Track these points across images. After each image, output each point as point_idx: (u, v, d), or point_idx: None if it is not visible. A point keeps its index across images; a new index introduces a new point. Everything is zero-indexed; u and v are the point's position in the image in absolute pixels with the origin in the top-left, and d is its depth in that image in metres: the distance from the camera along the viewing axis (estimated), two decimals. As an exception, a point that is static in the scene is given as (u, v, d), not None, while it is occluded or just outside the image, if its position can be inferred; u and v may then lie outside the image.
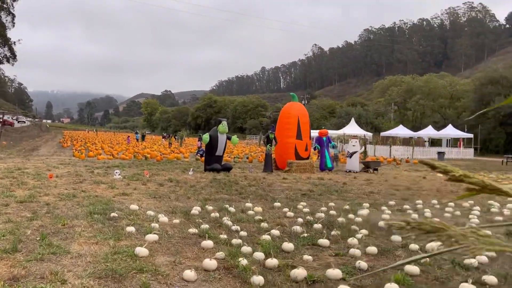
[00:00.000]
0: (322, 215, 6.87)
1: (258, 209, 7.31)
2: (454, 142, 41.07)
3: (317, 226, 6.02)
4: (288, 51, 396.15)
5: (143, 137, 48.32)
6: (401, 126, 42.35)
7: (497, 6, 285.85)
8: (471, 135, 36.74)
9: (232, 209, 7.24)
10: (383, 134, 41.35)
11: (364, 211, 7.21)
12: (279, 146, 16.57)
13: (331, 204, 8.13)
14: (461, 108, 50.82)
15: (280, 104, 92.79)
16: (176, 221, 6.23)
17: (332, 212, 7.22)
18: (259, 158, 23.29)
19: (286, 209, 7.39)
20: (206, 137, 14.97)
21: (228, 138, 15.62)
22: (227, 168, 15.37)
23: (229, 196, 9.01)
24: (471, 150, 35.32)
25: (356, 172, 17.06)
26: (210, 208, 7.35)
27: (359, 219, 6.62)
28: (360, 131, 42.25)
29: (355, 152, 17.30)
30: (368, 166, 17.61)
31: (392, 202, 8.58)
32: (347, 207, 7.78)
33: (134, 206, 7.11)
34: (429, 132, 38.87)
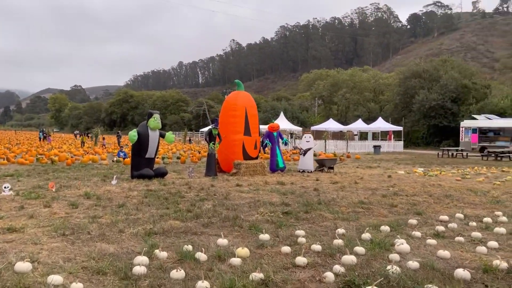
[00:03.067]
0: (353, 259, 4.24)
1: (243, 251, 4.48)
2: (382, 135, 41.22)
3: (373, 291, 3.37)
4: (206, 46, 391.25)
5: (45, 136, 41.98)
6: (331, 119, 41.60)
7: (400, 8, 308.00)
8: (400, 128, 36.88)
9: (201, 255, 4.33)
10: (313, 128, 40.24)
11: (403, 246, 4.72)
12: (224, 144, 13.73)
13: (340, 231, 5.56)
14: (384, 101, 51.73)
15: (202, 98, 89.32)
16: (109, 300, 3.19)
17: (359, 249, 4.62)
18: (192, 158, 20.22)
19: (286, 248, 4.66)
20: (133, 134, 11.65)
21: (162, 136, 12.45)
22: (161, 174, 12.21)
23: (183, 223, 6.03)
24: (401, 143, 35.37)
25: (311, 172, 14.83)
26: (164, 255, 4.37)
27: (414, 264, 4.10)
28: (290, 126, 40.71)
29: (309, 149, 15.03)
30: (323, 164, 15.46)
31: (413, 221, 6.24)
32: (367, 236, 5.25)
33: (23, 265, 3.88)
34: (359, 125, 38.43)
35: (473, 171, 15.98)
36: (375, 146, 30.12)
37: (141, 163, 11.90)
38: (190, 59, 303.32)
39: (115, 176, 11.29)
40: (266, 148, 15.18)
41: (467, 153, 26.95)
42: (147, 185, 10.52)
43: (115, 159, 19.05)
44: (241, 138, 13.72)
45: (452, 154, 26.67)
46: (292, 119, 53.62)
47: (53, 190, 9.28)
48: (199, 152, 23.96)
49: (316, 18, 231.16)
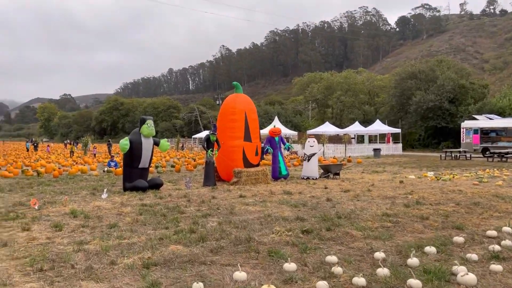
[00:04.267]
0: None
1: (270, 289, 3.50)
2: (380, 138, 40.51)
3: None
4: (195, 53, 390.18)
5: (35, 146, 40.70)
6: (327, 123, 40.74)
7: (388, 11, 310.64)
8: (398, 130, 36.13)
9: (218, 298, 3.35)
10: (310, 132, 39.36)
11: (468, 277, 3.76)
12: (222, 151, 12.74)
13: (379, 255, 4.60)
14: (379, 103, 51.03)
15: (194, 104, 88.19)
16: None
17: (414, 283, 3.67)
18: (187, 166, 19.19)
19: (322, 284, 3.68)
20: (124, 143, 10.64)
21: (156, 143, 11.45)
22: (156, 185, 11.19)
23: (187, 249, 5.03)
24: (400, 146, 34.61)
25: (316, 178, 13.89)
26: (169, 299, 3.38)
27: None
28: (285, 130, 39.85)
29: (313, 154, 14.09)
30: (329, 170, 14.52)
31: (459, 239, 5.30)
32: (415, 261, 4.30)
33: (-20, 324, 2.88)
34: (356, 128, 37.62)
35: (487, 174, 15.15)
36: (375, 149, 29.29)
37: (134, 174, 10.89)
38: (180, 66, 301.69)
39: (105, 189, 10.27)
40: (266, 154, 14.26)
41: (470, 155, 26.23)
42: (141, 198, 9.51)
43: (105, 169, 17.97)
44: (241, 144, 12.77)
45: (455, 156, 25.92)
46: (286, 123, 52.83)
47: (36, 207, 8.24)
48: (194, 160, 22.94)
49: (305, 22, 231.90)
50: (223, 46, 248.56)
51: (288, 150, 14.84)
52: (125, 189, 10.84)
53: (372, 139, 44.02)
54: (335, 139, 39.04)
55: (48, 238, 5.69)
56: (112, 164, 18.83)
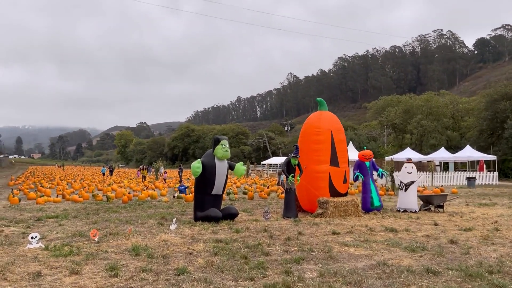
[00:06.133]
0: None
1: None
2: (467, 166, 36.42)
3: None
4: (263, 81, 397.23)
5: (111, 171, 41.71)
6: (408, 149, 37.44)
7: (465, 33, 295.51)
8: (493, 157, 32.03)
9: None
10: (388, 158, 36.36)
11: None
12: (305, 177, 11.00)
13: None
14: (466, 128, 46.46)
15: (262, 130, 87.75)
16: None
17: None
18: (261, 193, 17.64)
19: None
20: (196, 166, 9.30)
21: (231, 167, 10.00)
22: (231, 215, 9.68)
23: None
24: (496, 175, 30.51)
25: (415, 211, 11.65)
26: None
27: None
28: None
29: (412, 183, 11.90)
30: (430, 202, 12.19)
31: None
32: None
33: None
34: (442, 154, 34.02)
35: None
36: (469, 178, 25.85)
37: (207, 202, 9.48)
38: (248, 94, 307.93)
39: (174, 219, 8.94)
40: (358, 182, 12.27)
41: None
42: (215, 231, 8.03)
43: (176, 195, 16.99)
44: (327, 170, 10.95)
45: None
46: (360, 149, 49.93)
47: (95, 239, 7.04)
48: (267, 187, 21.37)
49: (375, 48, 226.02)
50: (291, 73, 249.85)
51: (381, 177, 12.77)
52: (196, 218, 9.47)
53: (458, 166, 39.84)
54: (417, 167, 35.70)
55: (101, 286, 4.29)
56: (182, 188, 17.92)
